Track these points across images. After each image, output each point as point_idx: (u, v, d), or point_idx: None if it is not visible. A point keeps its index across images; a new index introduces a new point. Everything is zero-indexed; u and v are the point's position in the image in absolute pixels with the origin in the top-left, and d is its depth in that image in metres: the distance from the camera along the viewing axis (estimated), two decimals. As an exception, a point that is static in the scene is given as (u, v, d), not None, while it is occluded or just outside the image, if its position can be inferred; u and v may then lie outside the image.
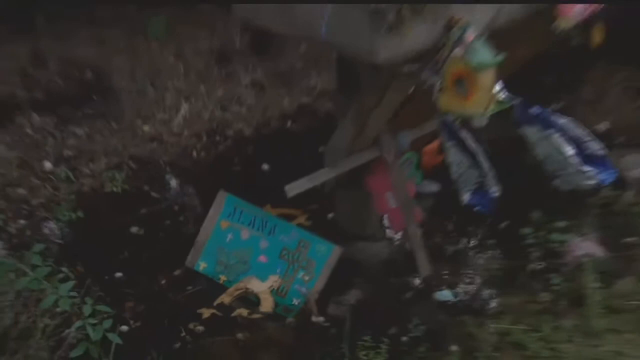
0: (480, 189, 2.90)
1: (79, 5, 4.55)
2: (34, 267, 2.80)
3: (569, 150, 2.70)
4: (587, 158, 2.72)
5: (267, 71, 4.27)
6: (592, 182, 2.76)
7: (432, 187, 3.38)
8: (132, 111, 4.14)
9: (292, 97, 4.12)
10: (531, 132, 2.75)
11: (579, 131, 2.70)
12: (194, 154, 3.90)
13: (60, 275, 2.85)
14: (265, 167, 3.80)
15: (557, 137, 2.71)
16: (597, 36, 2.97)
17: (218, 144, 3.96)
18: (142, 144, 3.95)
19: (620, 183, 3.57)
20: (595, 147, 2.71)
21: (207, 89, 4.23)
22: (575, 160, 2.71)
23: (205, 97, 4.18)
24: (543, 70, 3.69)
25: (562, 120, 2.69)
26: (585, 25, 2.88)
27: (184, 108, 4.08)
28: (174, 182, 3.69)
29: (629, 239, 3.29)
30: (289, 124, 4.07)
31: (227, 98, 4.19)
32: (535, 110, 2.69)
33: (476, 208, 2.94)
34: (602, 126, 3.89)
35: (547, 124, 2.69)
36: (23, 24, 4.54)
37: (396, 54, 2.47)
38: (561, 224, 3.37)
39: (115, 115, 4.13)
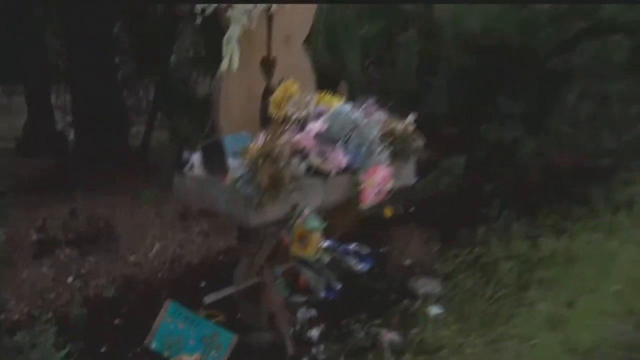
0: (328, 287, 3.00)
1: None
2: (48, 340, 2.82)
3: (353, 260, 2.85)
4: (361, 258, 2.87)
5: (210, 225, 4.35)
6: (364, 269, 2.96)
7: (299, 299, 3.43)
8: (125, 247, 4.18)
9: (225, 241, 4.18)
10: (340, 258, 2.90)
11: (356, 247, 2.85)
12: (160, 275, 3.92)
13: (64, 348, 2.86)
14: (203, 284, 3.81)
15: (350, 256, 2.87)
16: (388, 212, 3.16)
17: (176, 269, 3.99)
18: (129, 267, 3.98)
19: (413, 296, 3.71)
20: (364, 251, 2.89)
21: (172, 235, 4.29)
22: (356, 263, 2.87)
23: (170, 240, 4.23)
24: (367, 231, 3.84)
25: (352, 246, 2.86)
26: (380, 205, 3.08)
27: (157, 246, 4.13)
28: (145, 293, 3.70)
29: (414, 330, 3.39)
30: (221, 257, 4.11)
31: (184, 241, 4.26)
32: (342, 247, 2.86)
33: (330, 298, 3.03)
34: (407, 262, 4.04)
35: (346, 251, 2.84)
36: (65, 193, 4.63)
37: (262, 221, 2.64)
38: (377, 321, 3.45)
39: (114, 249, 4.18)
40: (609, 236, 4.57)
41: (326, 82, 3.33)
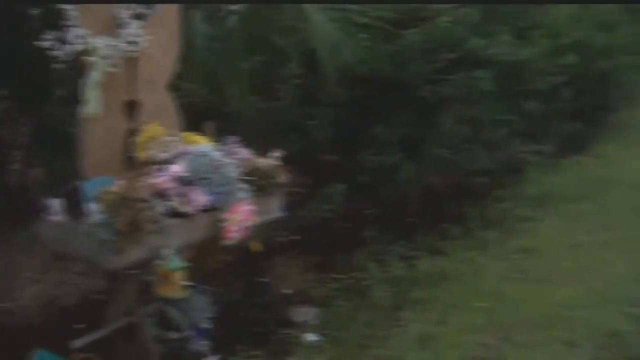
0: (194, 325, 3.09)
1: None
2: None
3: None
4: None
5: (86, 268, 4.26)
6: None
7: (172, 335, 3.46)
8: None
9: (100, 282, 4.10)
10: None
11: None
12: (34, 320, 3.84)
13: None
14: (81, 326, 3.75)
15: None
16: (255, 247, 3.28)
17: (52, 313, 3.93)
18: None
19: (291, 324, 3.85)
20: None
21: (48, 277, 4.21)
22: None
23: (46, 283, 4.15)
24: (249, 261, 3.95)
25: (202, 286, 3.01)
26: (246, 240, 3.20)
27: (31, 290, 4.05)
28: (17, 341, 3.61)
29: (291, 358, 3.54)
30: (101, 297, 4.06)
31: (60, 282, 4.18)
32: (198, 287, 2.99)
33: (197, 335, 3.11)
34: (286, 291, 4.18)
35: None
36: None
37: (122, 264, 2.70)
38: (255, 352, 3.56)
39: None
40: (481, 253, 4.93)
41: (208, 119, 3.44)
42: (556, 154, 7.09)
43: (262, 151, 3.48)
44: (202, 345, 3.56)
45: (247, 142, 3.45)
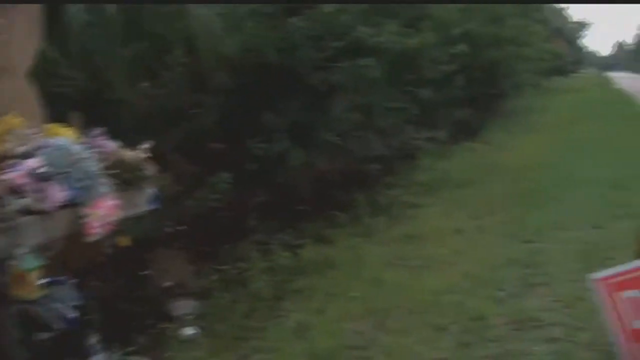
0: (63, 318, 3.03)
1: None
2: None
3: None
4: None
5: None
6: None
7: (42, 334, 3.36)
8: None
9: None
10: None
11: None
12: None
13: None
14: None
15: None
16: (123, 241, 3.21)
17: None
18: None
19: (170, 318, 3.83)
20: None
21: None
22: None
23: None
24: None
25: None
26: (112, 235, 3.13)
27: None
28: None
29: (167, 353, 3.53)
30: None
31: None
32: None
33: (70, 328, 3.05)
34: (168, 283, 4.15)
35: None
36: None
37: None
38: (132, 347, 3.51)
39: None
40: (366, 240, 5.08)
41: (88, 107, 3.31)
42: (448, 141, 7.40)
43: (142, 141, 3.40)
44: (89, 341, 3.49)
45: (128, 131, 3.36)
